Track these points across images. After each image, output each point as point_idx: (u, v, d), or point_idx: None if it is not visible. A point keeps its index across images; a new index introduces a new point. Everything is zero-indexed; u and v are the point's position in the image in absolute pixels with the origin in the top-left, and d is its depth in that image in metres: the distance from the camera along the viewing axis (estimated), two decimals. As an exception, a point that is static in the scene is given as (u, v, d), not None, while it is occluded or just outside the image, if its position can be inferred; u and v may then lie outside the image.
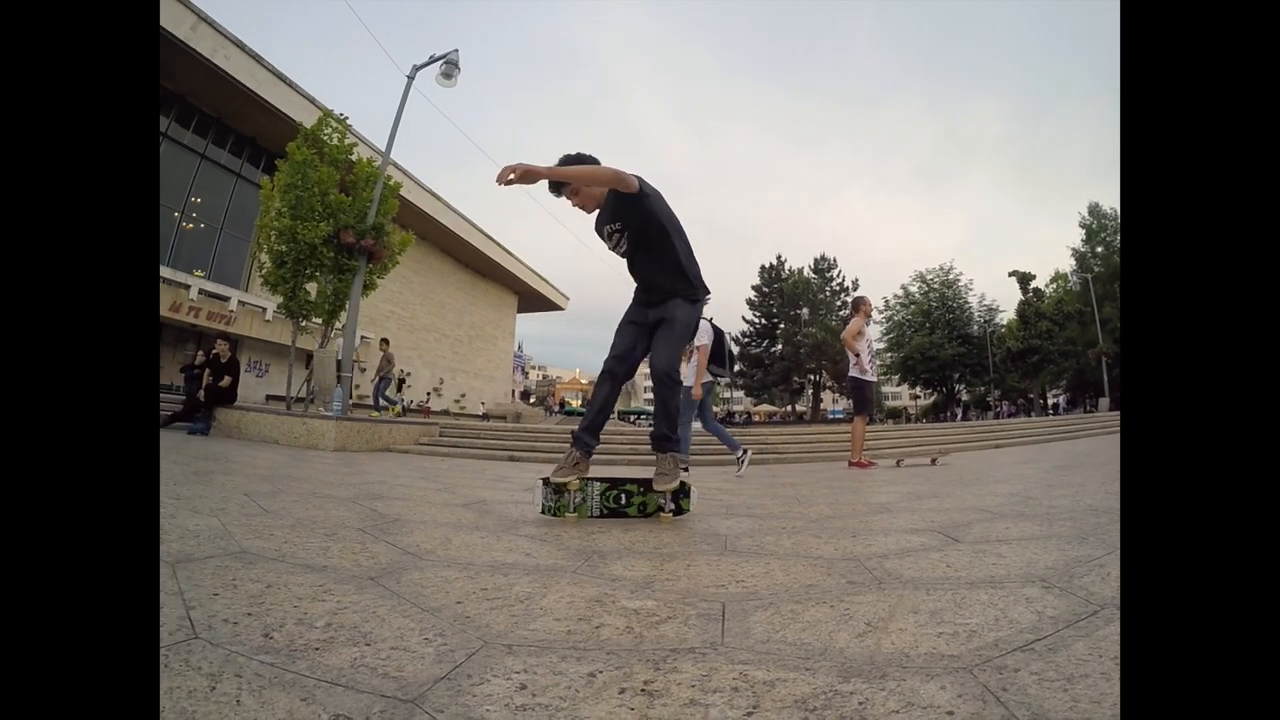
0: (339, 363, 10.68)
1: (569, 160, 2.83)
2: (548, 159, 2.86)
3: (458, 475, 5.61)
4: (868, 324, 7.38)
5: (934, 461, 7.50)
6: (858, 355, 7.03)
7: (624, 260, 3.09)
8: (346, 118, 12.84)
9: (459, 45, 12.16)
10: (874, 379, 7.19)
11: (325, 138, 12.28)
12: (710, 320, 6.32)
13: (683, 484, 2.99)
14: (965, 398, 52.14)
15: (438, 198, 29.20)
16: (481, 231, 33.09)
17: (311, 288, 12.06)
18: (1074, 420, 20.67)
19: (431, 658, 1.16)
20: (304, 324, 12.45)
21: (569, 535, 2.56)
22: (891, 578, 1.80)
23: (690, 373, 5.98)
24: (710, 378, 6.61)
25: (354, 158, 12.55)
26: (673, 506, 3.00)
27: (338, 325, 12.08)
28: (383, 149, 12.17)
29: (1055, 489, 3.90)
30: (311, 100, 18.49)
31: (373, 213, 11.26)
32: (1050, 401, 46.97)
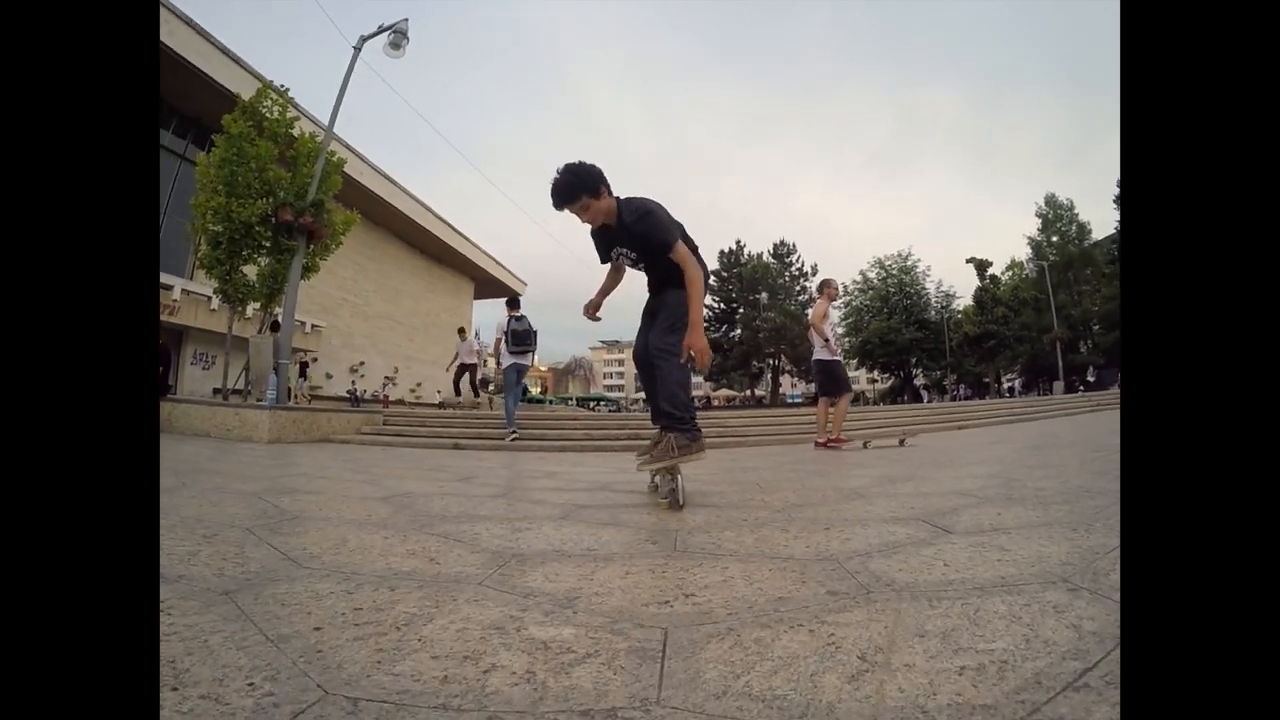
0: (277, 349, 10.01)
1: (570, 175, 2.68)
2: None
3: (391, 465, 5.16)
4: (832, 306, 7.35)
5: (902, 442, 7.27)
6: (826, 339, 6.96)
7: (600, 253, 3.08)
8: (287, 89, 12.07)
9: (415, 25, 11.44)
10: (841, 358, 7.18)
11: (265, 110, 11.51)
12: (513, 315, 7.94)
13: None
14: (922, 381, 52.93)
15: (392, 182, 28.19)
16: (437, 216, 32.15)
17: (251, 271, 11.35)
18: (1032, 403, 20.85)
19: (244, 716, 0.84)
20: (240, 309, 11.74)
21: (491, 533, 2.16)
22: (881, 583, 1.45)
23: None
24: (511, 360, 8.26)
25: (295, 132, 11.81)
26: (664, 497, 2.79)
27: (277, 311, 11.36)
28: (330, 126, 11.44)
29: (1035, 469, 3.69)
30: (258, 77, 17.41)
31: (313, 189, 10.55)
32: (1005, 385, 48.06)
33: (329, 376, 25.62)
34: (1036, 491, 2.75)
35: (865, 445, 7.11)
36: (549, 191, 2.70)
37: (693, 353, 2.61)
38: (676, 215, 2.83)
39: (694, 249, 2.87)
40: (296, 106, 12.65)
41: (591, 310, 3.32)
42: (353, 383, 26.80)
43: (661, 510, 2.66)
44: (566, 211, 2.74)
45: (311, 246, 10.89)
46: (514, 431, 8.32)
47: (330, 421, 8.99)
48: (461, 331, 13.75)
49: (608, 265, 3.12)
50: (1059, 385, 33.64)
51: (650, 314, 3.00)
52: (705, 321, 3.35)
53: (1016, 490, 2.83)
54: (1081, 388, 33.76)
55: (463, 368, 13.36)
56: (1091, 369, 38.80)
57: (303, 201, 10.33)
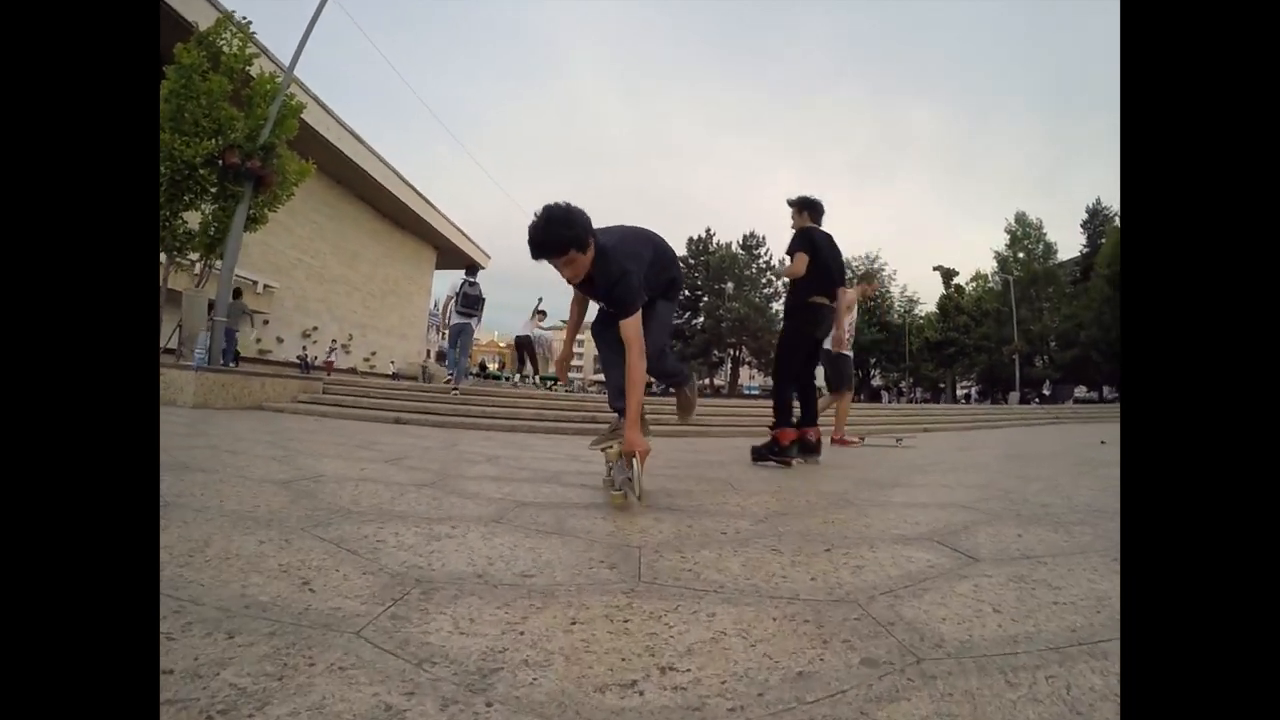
0: (212, 306, 9.23)
1: (561, 226, 2.37)
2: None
3: (315, 440, 4.60)
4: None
5: (899, 441, 6.95)
6: (843, 332, 6.07)
7: None
8: (250, 22, 11.08)
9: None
10: (850, 353, 6.73)
11: (223, 43, 10.45)
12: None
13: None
14: (879, 382, 53.55)
15: (359, 139, 26.81)
16: (402, 179, 30.81)
17: (194, 219, 10.45)
18: (993, 410, 20.91)
19: None
20: (178, 260, 10.87)
21: (399, 541, 1.69)
22: (927, 643, 1.06)
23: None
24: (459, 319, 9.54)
25: (255, 71, 10.86)
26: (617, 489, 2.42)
27: (217, 264, 10.50)
28: (292, 66, 10.59)
29: (1029, 482, 3.35)
30: (218, 7, 15.94)
31: (266, 131, 9.70)
32: (960, 392, 48.90)
33: (280, 341, 24.51)
34: (1044, 509, 2.44)
35: (862, 440, 6.84)
36: (529, 239, 2.38)
37: (638, 448, 2.37)
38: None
39: (672, 283, 2.88)
40: (259, 45, 11.73)
41: (564, 365, 3.08)
42: (304, 348, 25.63)
43: (616, 507, 2.25)
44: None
45: (259, 195, 10.06)
46: (455, 388, 9.28)
47: (265, 387, 8.30)
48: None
49: (575, 294, 2.87)
50: (1014, 396, 34.56)
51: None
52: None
53: (1021, 506, 2.51)
54: (1037, 400, 34.54)
55: (520, 341, 13.11)
56: (1048, 383, 39.81)
57: (253, 144, 9.52)
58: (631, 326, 2.46)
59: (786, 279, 4.53)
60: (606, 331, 2.76)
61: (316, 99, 21.76)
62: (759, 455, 4.23)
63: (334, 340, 27.21)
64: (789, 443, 4.12)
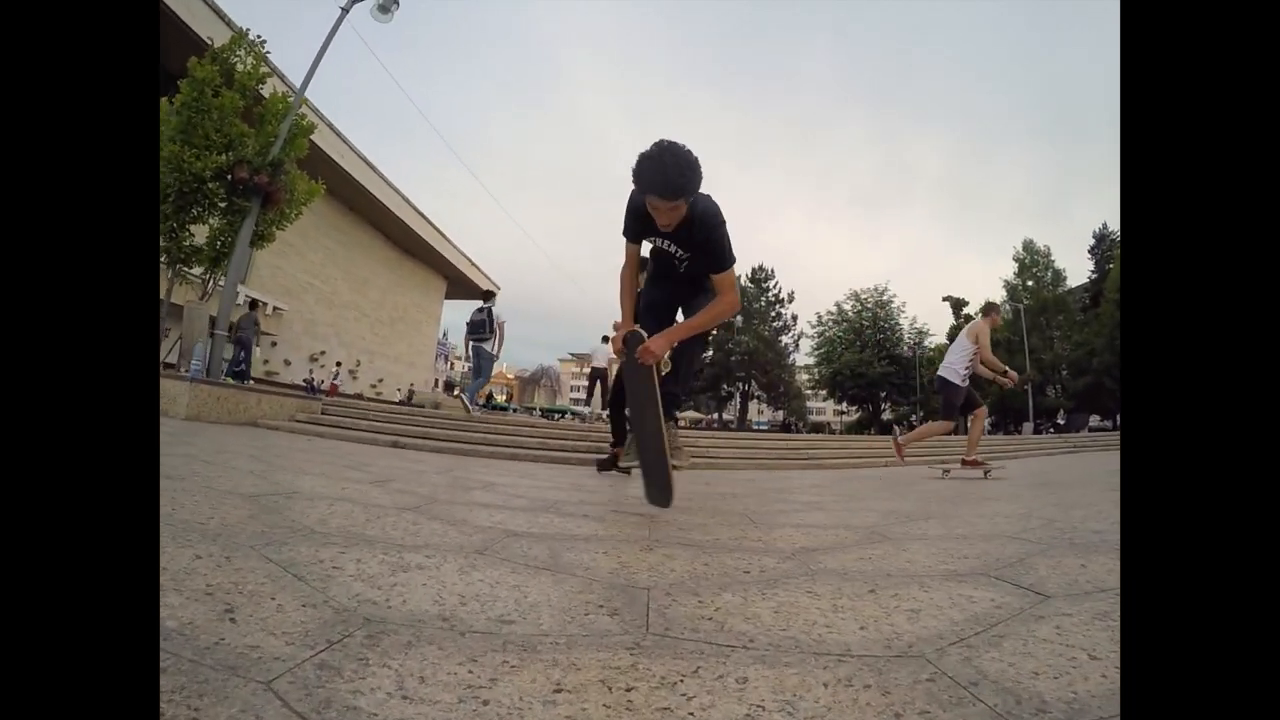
0: (213, 320, 9.05)
1: (690, 170, 2.29)
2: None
3: (302, 457, 4.34)
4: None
5: (987, 475, 6.43)
6: (968, 365, 6.56)
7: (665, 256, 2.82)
8: (264, 41, 11.07)
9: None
10: (962, 384, 6.59)
11: (237, 60, 10.46)
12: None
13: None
14: (890, 416, 52.99)
15: (372, 167, 26.88)
16: (415, 208, 30.83)
17: (202, 233, 10.34)
18: (1010, 441, 20.46)
19: None
20: (183, 273, 10.74)
21: (360, 569, 1.44)
22: (1031, 709, 0.83)
23: None
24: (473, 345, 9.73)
25: (266, 91, 10.84)
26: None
27: (221, 279, 10.36)
28: (303, 87, 10.55)
29: (1069, 509, 3.10)
30: (232, 27, 15.98)
31: (275, 148, 9.61)
32: (973, 424, 48.32)
33: (287, 363, 24.36)
34: (1098, 535, 2.21)
35: (946, 474, 6.57)
36: (656, 173, 2.27)
37: (649, 347, 2.46)
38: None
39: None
40: (271, 66, 11.72)
41: (635, 334, 2.65)
42: (310, 371, 25.47)
43: (621, 527, 1.98)
44: (649, 202, 2.37)
45: (267, 211, 9.95)
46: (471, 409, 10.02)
47: (260, 403, 8.06)
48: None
49: (631, 249, 2.77)
50: (1028, 426, 34.13)
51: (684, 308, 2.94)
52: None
53: (1071, 534, 2.26)
54: (1050, 429, 33.94)
55: (595, 373, 13.02)
56: (1062, 412, 39.28)
57: (262, 159, 9.42)
58: (728, 279, 2.58)
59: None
60: (657, 289, 2.79)
61: (331, 125, 21.91)
62: (603, 466, 5.36)
63: (338, 363, 27.00)
64: None
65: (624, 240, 2.72)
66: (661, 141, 2.29)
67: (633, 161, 2.32)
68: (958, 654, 1.00)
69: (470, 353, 10.23)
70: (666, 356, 2.52)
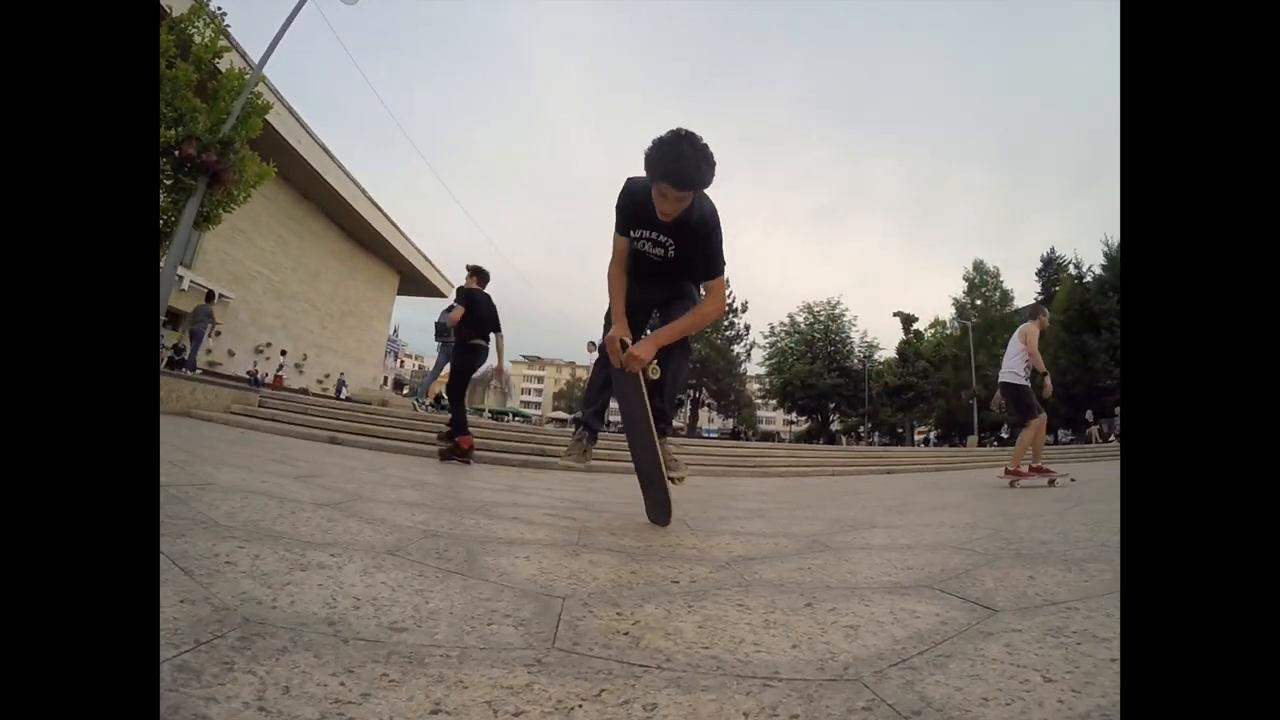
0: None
1: (709, 163, 2.23)
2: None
3: (226, 449, 4.11)
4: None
5: (1052, 483, 6.34)
6: (1022, 364, 6.61)
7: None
8: (224, 14, 10.57)
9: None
10: (1026, 383, 6.62)
11: (195, 32, 9.91)
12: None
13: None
14: (838, 427, 53.74)
15: (330, 155, 26.06)
16: (372, 201, 30.02)
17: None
18: (956, 453, 20.81)
19: None
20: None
21: (251, 565, 1.29)
22: None
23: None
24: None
25: (224, 66, 10.36)
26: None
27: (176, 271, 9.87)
28: (262, 64, 10.14)
29: (1016, 519, 3.06)
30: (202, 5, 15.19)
31: (227, 126, 9.18)
32: (919, 436, 49.29)
33: (231, 354, 23.45)
34: (1044, 546, 2.15)
35: (1051, 483, 6.34)
36: (674, 162, 2.16)
37: (635, 353, 2.33)
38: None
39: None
40: (231, 40, 11.24)
41: (621, 341, 2.44)
42: (255, 364, 24.60)
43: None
44: (658, 189, 2.24)
45: (213, 192, 9.51)
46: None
47: (195, 393, 7.71)
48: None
49: (622, 243, 2.58)
50: (973, 439, 34.77)
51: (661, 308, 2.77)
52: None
53: (1018, 544, 2.19)
54: (995, 442, 34.75)
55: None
56: (1006, 426, 40.42)
57: (212, 137, 8.99)
58: (721, 284, 2.53)
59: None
60: (635, 290, 2.61)
61: (291, 110, 21.20)
62: (445, 456, 6.07)
63: (283, 351, 26.10)
64: (468, 447, 6.08)
65: (615, 235, 2.56)
66: (679, 130, 2.19)
67: (647, 147, 2.21)
68: (899, 676, 0.89)
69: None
70: (655, 363, 2.38)
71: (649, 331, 2.74)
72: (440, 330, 9.87)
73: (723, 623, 1.16)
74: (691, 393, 48.95)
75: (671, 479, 2.55)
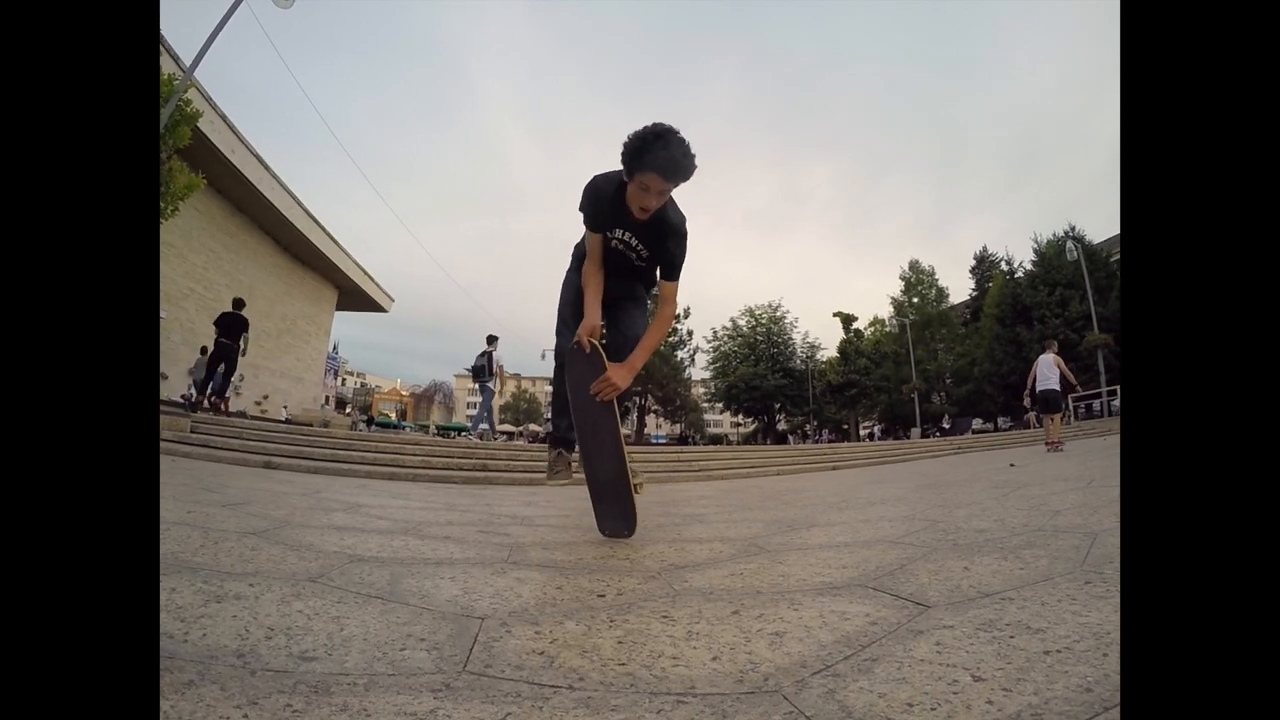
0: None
1: (692, 160, 2.21)
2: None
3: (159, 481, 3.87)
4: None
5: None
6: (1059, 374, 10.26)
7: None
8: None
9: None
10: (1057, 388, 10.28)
11: None
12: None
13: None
14: (785, 426, 54.43)
15: (265, 166, 25.13)
16: (309, 214, 29.07)
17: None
18: (898, 445, 21.17)
19: None
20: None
21: (175, 596, 1.20)
22: None
23: None
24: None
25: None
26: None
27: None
28: (192, 68, 9.75)
29: (953, 509, 3.03)
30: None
31: None
32: (864, 431, 50.32)
33: (164, 377, 22.47)
34: (981, 534, 2.15)
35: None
36: (664, 149, 2.13)
37: (614, 382, 2.29)
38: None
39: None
40: (165, 45, 10.79)
41: (591, 335, 2.41)
42: (189, 386, 23.59)
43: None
44: (640, 182, 2.19)
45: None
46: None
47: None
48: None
49: (597, 240, 2.50)
50: (915, 431, 35.80)
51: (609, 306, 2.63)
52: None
53: (955, 535, 2.19)
54: (937, 433, 35.77)
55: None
56: (947, 417, 41.55)
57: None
58: (672, 289, 2.48)
59: None
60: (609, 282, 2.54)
61: (224, 117, 20.45)
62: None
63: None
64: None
65: (587, 234, 2.50)
66: (660, 124, 2.17)
67: (626, 140, 2.18)
68: (820, 685, 0.88)
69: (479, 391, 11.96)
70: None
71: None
72: (478, 373, 11.64)
73: (644, 636, 1.14)
74: (638, 399, 48.98)
75: (635, 487, 2.50)
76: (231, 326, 11.75)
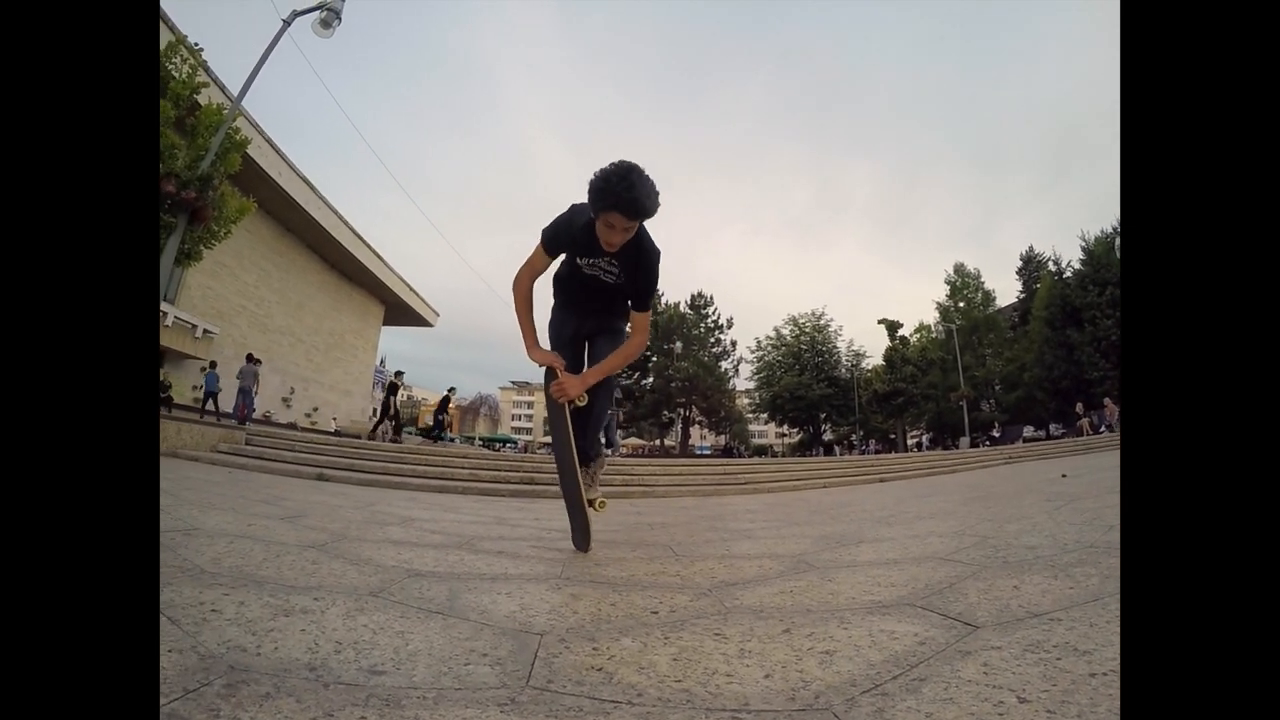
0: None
1: (654, 197, 2.24)
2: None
3: (212, 492, 4.08)
4: None
5: None
6: None
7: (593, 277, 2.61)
8: (201, 50, 10.60)
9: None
10: None
11: (172, 68, 9.92)
12: None
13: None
14: (830, 436, 53.72)
15: (311, 186, 25.80)
16: (354, 232, 29.90)
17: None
18: (947, 456, 20.74)
19: None
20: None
21: (244, 610, 1.28)
22: None
23: None
24: None
25: (202, 100, 10.36)
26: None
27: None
28: (240, 98, 10.15)
29: (1005, 524, 2.98)
30: (172, 29, 14.91)
31: (206, 162, 9.18)
32: (911, 441, 49.39)
33: (168, 385, 23.27)
34: (1032, 551, 2.11)
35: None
36: (627, 190, 2.16)
37: (566, 388, 2.42)
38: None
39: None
40: (210, 74, 11.25)
41: (548, 358, 2.56)
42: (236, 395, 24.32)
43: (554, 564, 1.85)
44: (605, 220, 2.24)
45: (194, 228, 9.49)
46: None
47: (180, 433, 7.67)
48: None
49: (543, 260, 2.56)
50: (964, 440, 35.02)
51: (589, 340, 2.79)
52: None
53: (1005, 551, 2.16)
54: (987, 442, 34.83)
55: None
56: (997, 425, 40.48)
57: (191, 174, 8.98)
58: (644, 319, 2.60)
59: None
60: (569, 320, 2.71)
61: (270, 141, 21.22)
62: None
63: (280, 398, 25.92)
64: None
65: (538, 248, 2.52)
66: (624, 162, 2.21)
67: (591, 178, 2.21)
68: (869, 704, 0.90)
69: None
70: (584, 394, 2.45)
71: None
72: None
73: (697, 653, 1.17)
74: (682, 411, 48.82)
75: (590, 503, 2.57)
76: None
